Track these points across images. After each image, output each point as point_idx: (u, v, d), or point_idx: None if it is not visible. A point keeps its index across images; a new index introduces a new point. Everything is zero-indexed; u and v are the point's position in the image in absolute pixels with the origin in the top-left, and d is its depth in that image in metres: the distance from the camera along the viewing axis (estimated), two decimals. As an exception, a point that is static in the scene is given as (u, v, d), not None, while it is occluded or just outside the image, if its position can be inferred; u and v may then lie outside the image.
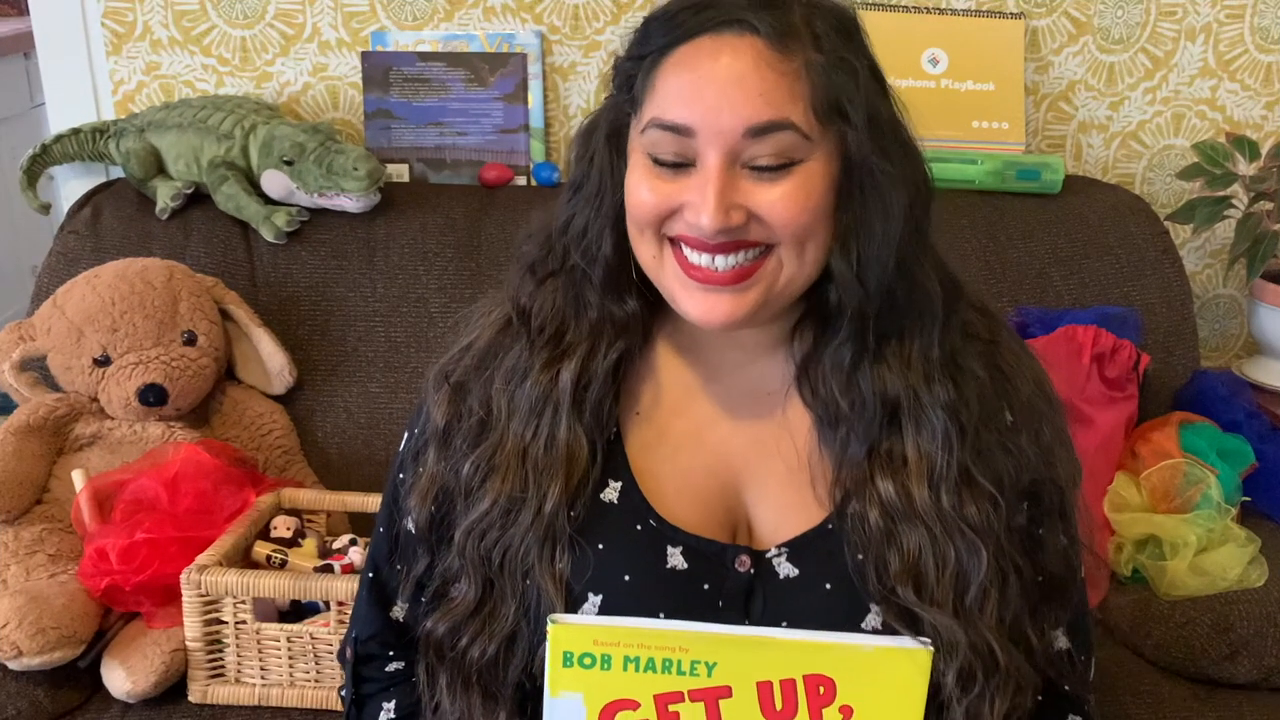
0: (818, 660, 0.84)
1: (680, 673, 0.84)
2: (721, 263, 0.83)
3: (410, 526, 0.97)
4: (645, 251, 0.86)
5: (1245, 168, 1.85)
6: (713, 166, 0.80)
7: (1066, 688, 0.97)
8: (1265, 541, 1.53)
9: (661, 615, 0.87)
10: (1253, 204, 1.83)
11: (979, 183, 1.85)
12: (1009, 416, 0.91)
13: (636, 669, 0.84)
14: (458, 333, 0.98)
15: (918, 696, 0.84)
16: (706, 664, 0.84)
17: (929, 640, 0.84)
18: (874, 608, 0.87)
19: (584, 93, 1.97)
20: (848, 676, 0.83)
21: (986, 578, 0.86)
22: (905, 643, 0.84)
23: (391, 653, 1.03)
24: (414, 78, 1.91)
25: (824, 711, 0.84)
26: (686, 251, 0.84)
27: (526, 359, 0.91)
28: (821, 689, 0.84)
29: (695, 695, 0.84)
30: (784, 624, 0.87)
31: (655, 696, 0.84)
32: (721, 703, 0.84)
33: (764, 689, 0.84)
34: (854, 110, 0.82)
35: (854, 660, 0.84)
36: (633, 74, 0.85)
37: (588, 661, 0.84)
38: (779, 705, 0.84)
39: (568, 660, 0.84)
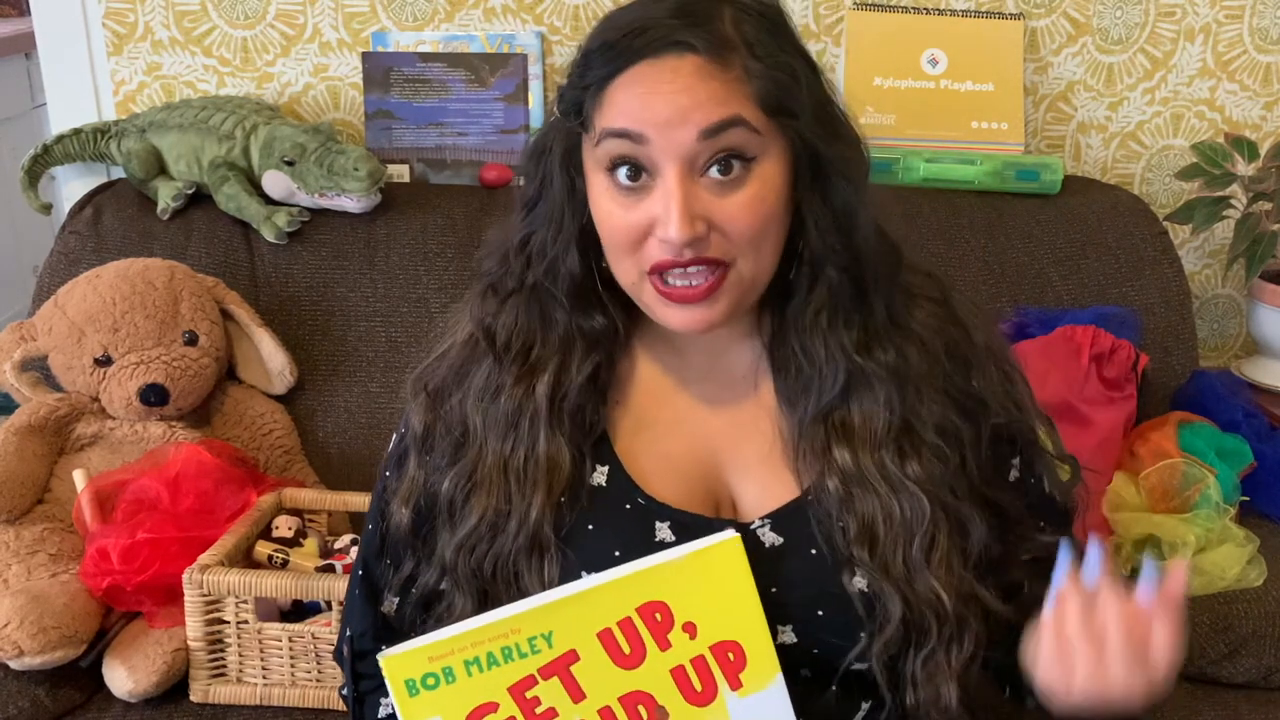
0: (641, 589, 0.85)
1: (522, 655, 0.84)
2: (696, 279, 0.85)
3: (396, 527, 0.99)
4: (625, 277, 0.89)
5: (1244, 168, 1.85)
6: (672, 178, 0.83)
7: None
8: (1264, 541, 1.53)
9: None
10: (1251, 204, 1.83)
11: (978, 183, 1.85)
12: (968, 369, 0.94)
13: (481, 669, 0.84)
14: (437, 340, 1.01)
15: (746, 586, 0.85)
16: (544, 636, 0.84)
17: (733, 529, 0.88)
18: (858, 570, 0.89)
19: (584, 93, 1.97)
20: (675, 593, 0.85)
21: (933, 526, 0.89)
22: (713, 539, 0.86)
23: (385, 647, 1.03)
24: (414, 78, 1.91)
25: (669, 637, 0.85)
26: (664, 277, 0.85)
27: (497, 376, 0.94)
28: (658, 615, 0.85)
29: (545, 672, 0.84)
30: (773, 590, 0.89)
31: (509, 690, 0.84)
32: (573, 669, 0.85)
33: (606, 638, 0.85)
34: (798, 104, 0.85)
35: (673, 576, 0.85)
36: (579, 99, 0.86)
37: (431, 683, 0.84)
38: (627, 649, 0.85)
39: (412, 689, 0.84)
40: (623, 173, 0.84)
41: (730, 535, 0.86)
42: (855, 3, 1.93)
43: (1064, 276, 1.80)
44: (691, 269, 0.84)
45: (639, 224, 0.84)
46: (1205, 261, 2.11)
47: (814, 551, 0.90)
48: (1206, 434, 1.64)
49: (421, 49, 1.92)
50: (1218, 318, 2.14)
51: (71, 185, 1.98)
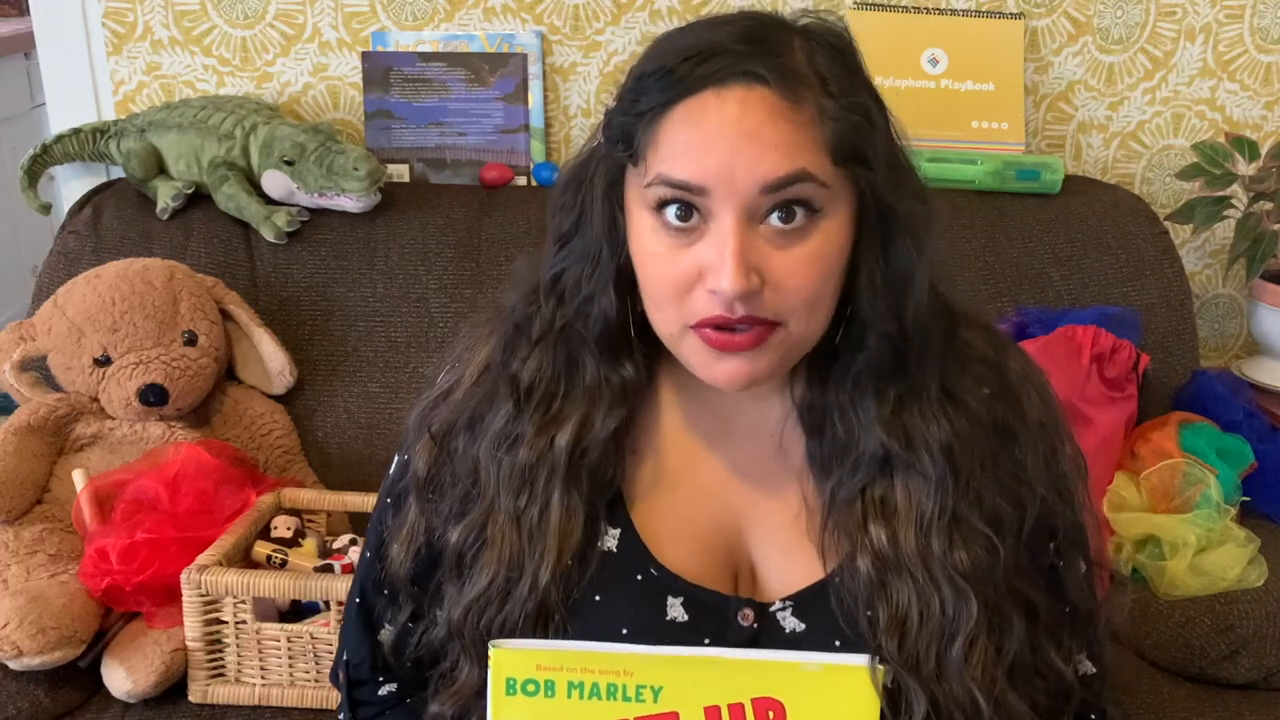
0: (764, 681, 0.81)
1: (625, 699, 0.81)
2: (741, 328, 0.78)
3: (396, 568, 0.94)
4: (665, 327, 0.81)
5: (1245, 168, 1.85)
6: (729, 225, 0.75)
7: (1093, 716, 0.96)
8: (1264, 541, 1.53)
9: None
10: (1252, 204, 1.83)
11: (979, 183, 1.85)
12: (1017, 448, 0.88)
13: (581, 695, 0.81)
14: (440, 367, 0.95)
15: (869, 717, 0.81)
16: (652, 688, 0.81)
17: (875, 657, 0.81)
18: (887, 666, 0.83)
19: (584, 93, 1.97)
20: (796, 698, 0.81)
21: (976, 627, 0.83)
22: (851, 659, 0.81)
23: (381, 677, 1.01)
24: (414, 78, 1.91)
25: None
26: (708, 332, 0.79)
27: (516, 425, 0.87)
28: (771, 714, 0.81)
29: None
30: None
31: None
32: None
33: (711, 715, 0.81)
34: (872, 152, 0.78)
35: (801, 680, 0.81)
36: (630, 128, 0.78)
37: (531, 689, 0.81)
38: None
39: (510, 688, 0.81)
40: (672, 211, 0.77)
41: (864, 661, 0.81)
42: (855, 2, 1.93)
43: (1064, 276, 1.79)
44: (740, 325, 0.77)
45: (687, 271, 0.77)
46: (1206, 261, 2.11)
47: (838, 642, 0.85)
48: (1207, 434, 1.64)
49: (421, 49, 1.92)
50: (1218, 318, 2.14)
51: (71, 185, 1.98)
